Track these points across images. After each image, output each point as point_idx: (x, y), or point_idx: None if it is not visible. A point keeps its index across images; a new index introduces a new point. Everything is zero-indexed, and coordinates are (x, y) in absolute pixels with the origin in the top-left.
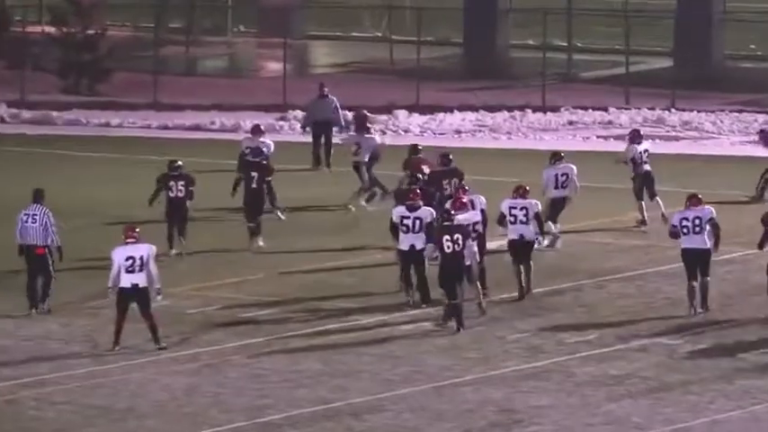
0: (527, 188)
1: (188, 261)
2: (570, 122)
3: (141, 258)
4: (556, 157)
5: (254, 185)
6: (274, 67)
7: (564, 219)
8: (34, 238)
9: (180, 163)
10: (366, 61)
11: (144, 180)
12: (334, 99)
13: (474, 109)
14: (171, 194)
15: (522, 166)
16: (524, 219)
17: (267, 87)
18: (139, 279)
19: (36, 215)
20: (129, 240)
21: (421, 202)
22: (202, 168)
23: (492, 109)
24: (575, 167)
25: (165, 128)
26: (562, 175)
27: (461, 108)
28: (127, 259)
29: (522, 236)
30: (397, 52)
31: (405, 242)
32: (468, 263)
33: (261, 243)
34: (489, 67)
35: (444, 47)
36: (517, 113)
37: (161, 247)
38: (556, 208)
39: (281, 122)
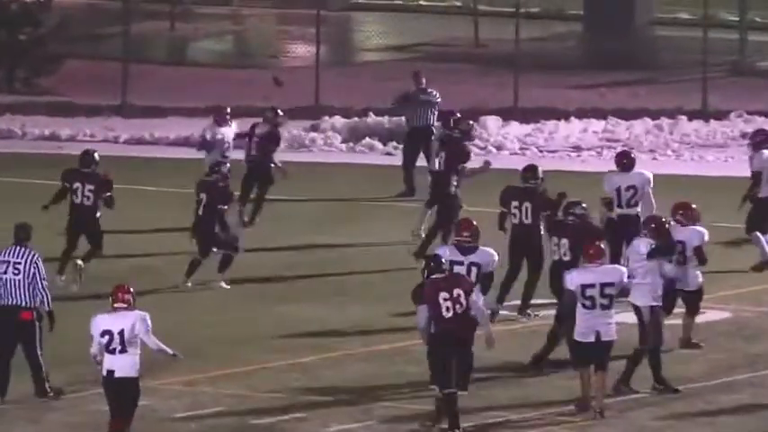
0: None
1: (175, 336)
2: (744, 135)
3: (122, 334)
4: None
5: (200, 212)
6: (302, 51)
7: (731, 279)
8: (16, 297)
9: (96, 156)
10: (438, 43)
11: (104, 220)
12: (437, 94)
13: (600, 115)
14: (75, 200)
15: (674, 199)
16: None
17: (291, 82)
18: (118, 365)
19: (19, 263)
20: (117, 305)
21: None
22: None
23: (627, 115)
24: None
25: (140, 142)
26: None
27: (581, 114)
28: (103, 334)
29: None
30: (485, 30)
31: None
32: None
33: (223, 284)
34: (623, 54)
35: (556, 22)
36: (665, 122)
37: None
38: None
39: (313, 134)
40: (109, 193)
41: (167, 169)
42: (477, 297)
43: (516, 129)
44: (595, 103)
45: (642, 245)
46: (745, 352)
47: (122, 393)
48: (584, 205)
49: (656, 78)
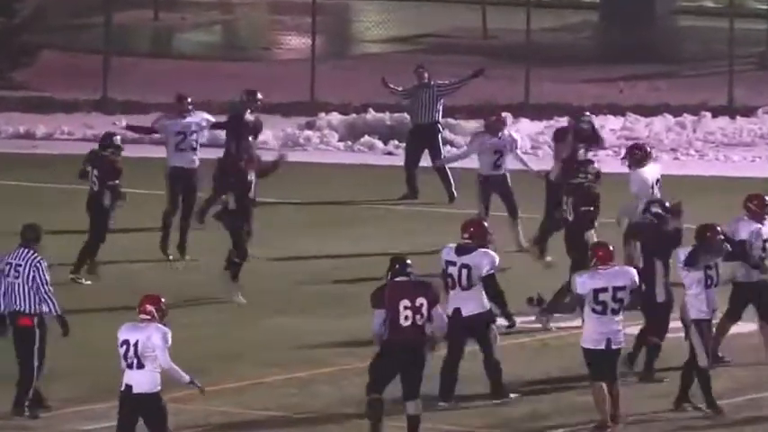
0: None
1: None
2: None
3: (136, 346)
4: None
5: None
6: (296, 43)
7: None
8: (16, 302)
9: (116, 140)
10: (443, 34)
11: (84, 225)
12: (443, 86)
13: (618, 111)
14: (90, 184)
15: (699, 203)
16: None
17: (285, 77)
18: (136, 380)
19: (20, 266)
20: (141, 315)
21: (488, 237)
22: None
23: (647, 111)
24: None
25: (122, 141)
26: None
27: (597, 109)
28: (121, 344)
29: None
30: (494, 20)
31: (449, 304)
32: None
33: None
34: (643, 45)
35: (570, 12)
36: (688, 118)
37: None
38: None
39: (308, 132)
40: (115, 182)
41: (153, 169)
42: (485, 299)
43: (527, 126)
44: (612, 99)
45: (681, 253)
46: None
47: (139, 411)
48: (666, 204)
49: (678, 72)
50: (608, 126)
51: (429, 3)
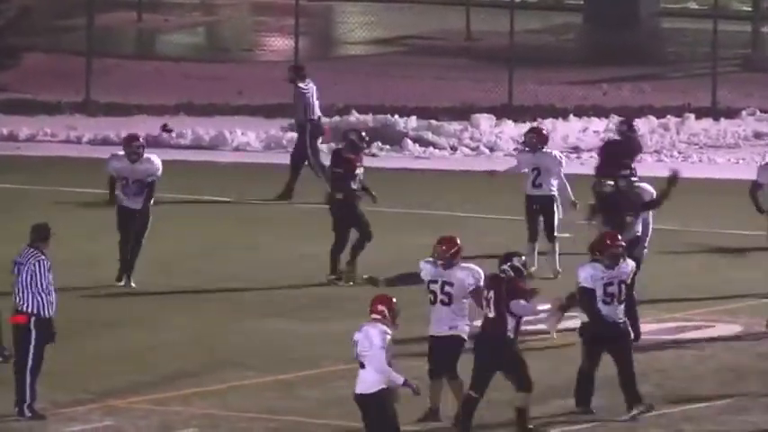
0: None
1: (146, 352)
2: (756, 134)
3: (356, 345)
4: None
5: None
6: (279, 44)
7: (742, 290)
8: (17, 299)
9: (352, 135)
10: (427, 36)
11: (69, 228)
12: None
13: (602, 113)
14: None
15: (683, 205)
16: None
17: (268, 78)
18: (359, 378)
19: (21, 265)
20: (372, 315)
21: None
22: (171, 208)
23: (631, 113)
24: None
25: (104, 142)
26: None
27: (581, 112)
28: (354, 344)
29: None
30: (478, 22)
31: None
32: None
33: None
34: (626, 47)
35: (554, 13)
36: (672, 120)
37: None
38: None
39: (292, 134)
40: (339, 170)
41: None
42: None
43: (510, 128)
44: (596, 101)
45: None
46: (758, 369)
47: (362, 409)
48: None
49: (661, 74)
50: (591, 128)
51: (412, 5)
